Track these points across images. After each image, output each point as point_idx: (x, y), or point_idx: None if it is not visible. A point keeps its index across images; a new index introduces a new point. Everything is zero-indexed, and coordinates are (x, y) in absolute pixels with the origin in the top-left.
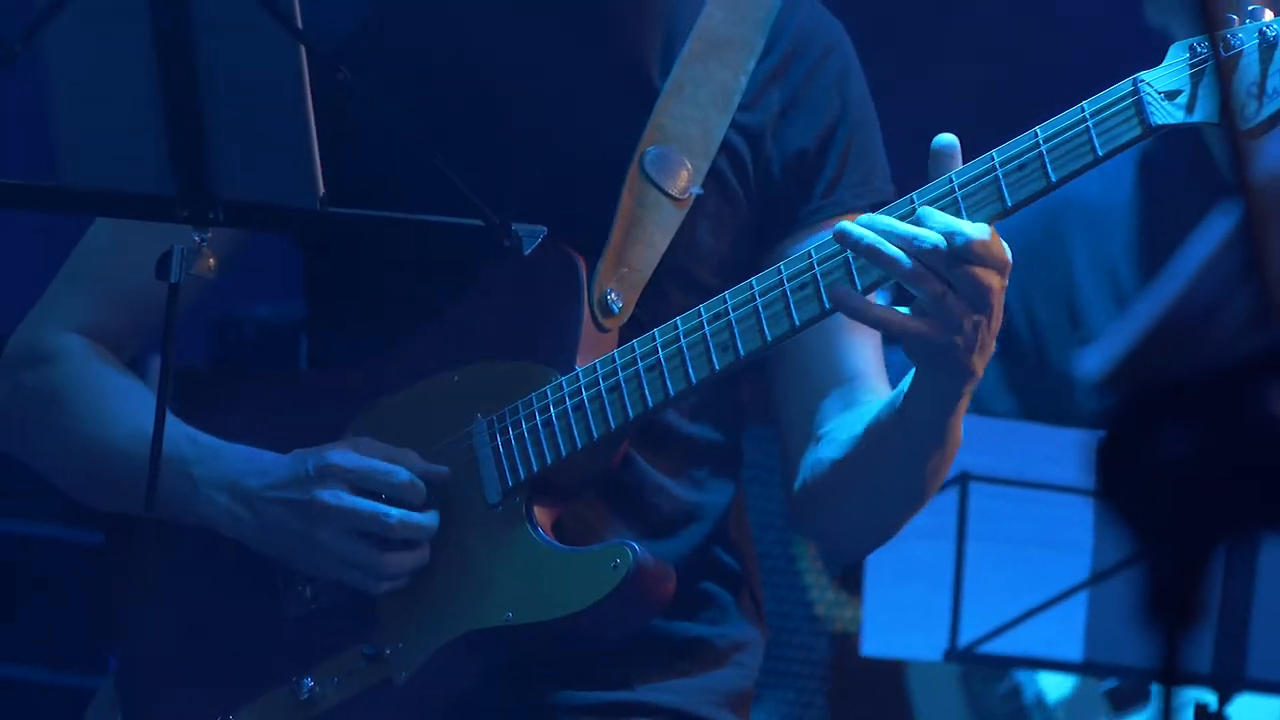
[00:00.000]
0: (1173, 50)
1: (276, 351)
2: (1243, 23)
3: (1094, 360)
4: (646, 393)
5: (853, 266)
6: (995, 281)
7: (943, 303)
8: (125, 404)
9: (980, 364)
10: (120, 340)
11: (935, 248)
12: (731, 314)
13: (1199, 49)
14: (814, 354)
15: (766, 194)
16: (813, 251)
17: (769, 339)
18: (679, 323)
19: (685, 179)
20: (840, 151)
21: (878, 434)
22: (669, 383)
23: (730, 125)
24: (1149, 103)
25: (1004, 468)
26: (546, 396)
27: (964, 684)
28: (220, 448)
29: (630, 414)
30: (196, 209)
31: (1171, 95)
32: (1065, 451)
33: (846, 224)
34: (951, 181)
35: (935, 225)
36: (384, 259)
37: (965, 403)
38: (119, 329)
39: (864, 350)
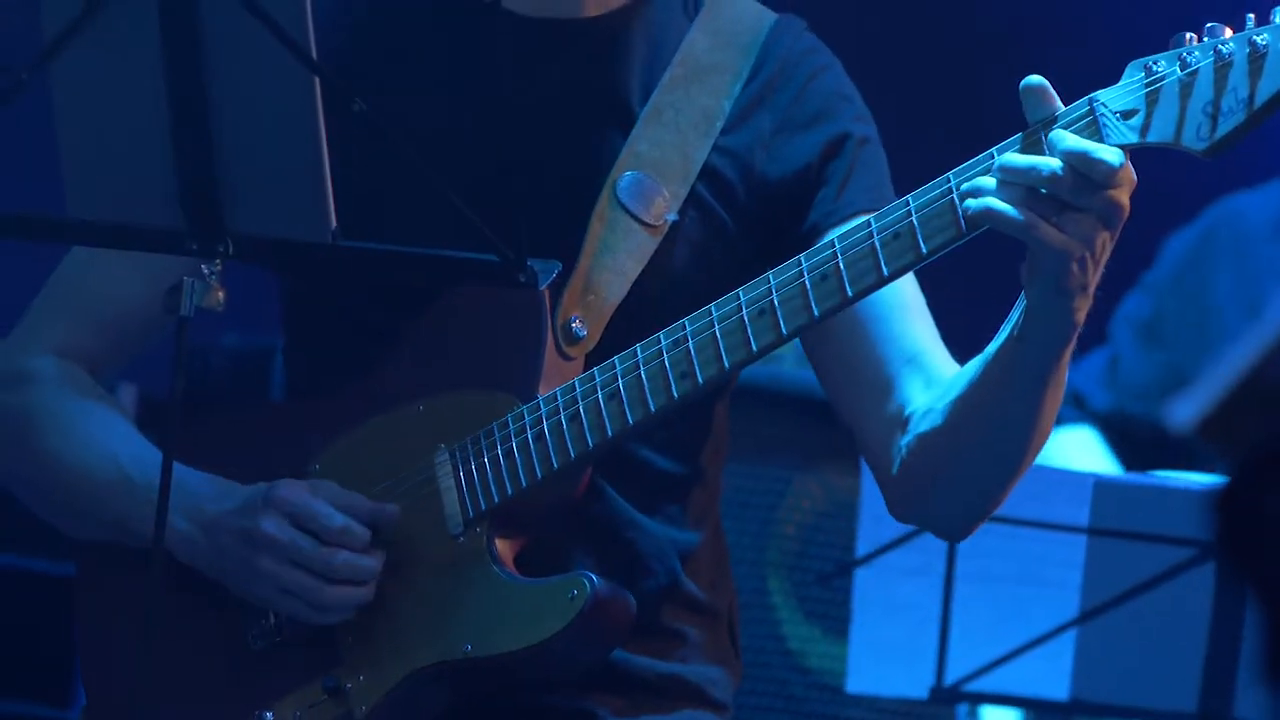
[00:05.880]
0: (1129, 69)
1: (245, 382)
2: (1201, 40)
3: (1186, 410)
4: (607, 421)
5: (811, 293)
6: (1125, 200)
7: (1073, 220)
8: (94, 428)
9: (1094, 284)
10: (98, 362)
11: (1053, 174)
12: (690, 341)
13: (1154, 68)
14: (875, 340)
15: (761, 214)
16: (771, 277)
17: (727, 366)
18: (638, 350)
19: (661, 206)
20: (847, 163)
21: (989, 385)
22: (629, 412)
23: (713, 149)
24: (1105, 123)
25: None
26: (508, 426)
27: None
28: (183, 474)
29: (590, 443)
30: (206, 242)
31: (1127, 115)
32: (1054, 489)
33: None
34: (948, 182)
35: (1071, 147)
36: (361, 286)
37: (1076, 336)
38: (97, 351)
39: (922, 326)
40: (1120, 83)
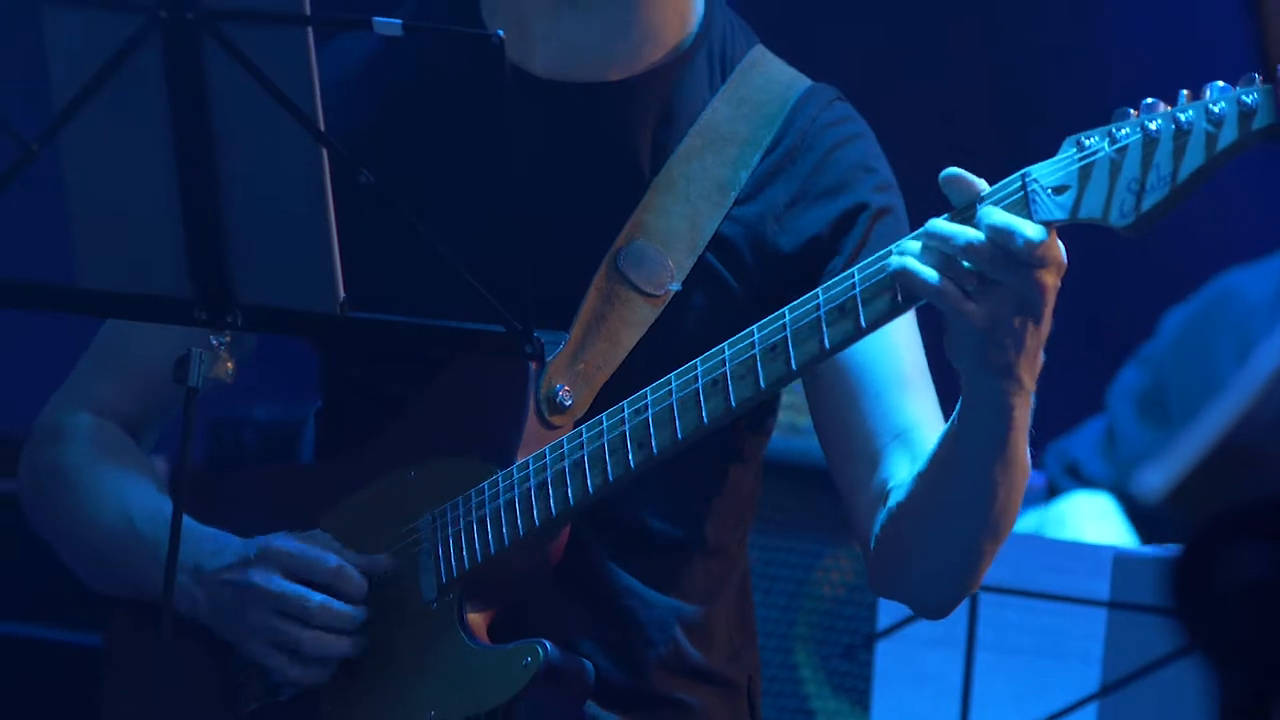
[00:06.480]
0: (1064, 144)
1: (274, 453)
2: (1138, 115)
3: (1155, 477)
4: (569, 489)
5: (760, 371)
6: (1050, 280)
7: (990, 294)
8: (112, 485)
9: (1029, 375)
10: (137, 421)
11: (969, 244)
12: (650, 410)
13: (1086, 144)
14: (867, 413)
15: (770, 284)
16: (726, 348)
17: (680, 436)
18: (604, 418)
19: (664, 276)
20: (862, 232)
21: (938, 466)
22: (589, 480)
23: (725, 218)
24: (1035, 198)
25: (1013, 578)
26: (483, 493)
27: None
28: (188, 531)
29: (554, 510)
30: (215, 312)
31: (1059, 190)
32: (1075, 563)
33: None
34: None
35: (994, 222)
36: (372, 356)
37: (1024, 421)
38: (135, 411)
39: (916, 400)
40: (1055, 157)
